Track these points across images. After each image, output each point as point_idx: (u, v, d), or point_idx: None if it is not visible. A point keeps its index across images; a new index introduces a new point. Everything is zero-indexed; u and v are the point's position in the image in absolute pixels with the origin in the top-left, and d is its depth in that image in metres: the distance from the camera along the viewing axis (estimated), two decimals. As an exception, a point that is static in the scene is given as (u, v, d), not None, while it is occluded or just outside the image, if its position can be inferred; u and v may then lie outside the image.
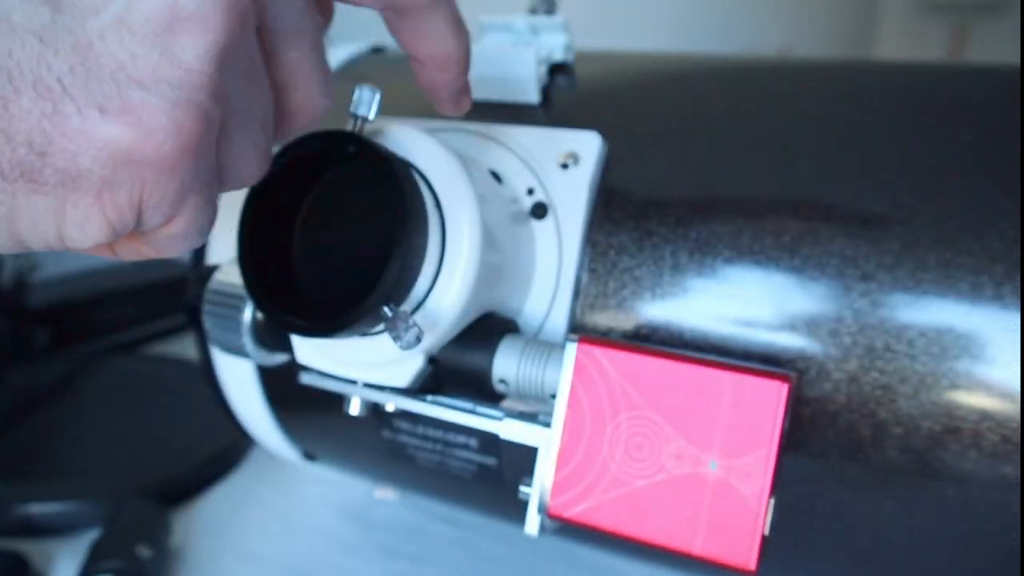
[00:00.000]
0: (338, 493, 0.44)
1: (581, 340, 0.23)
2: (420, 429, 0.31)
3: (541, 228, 0.27)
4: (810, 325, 0.24)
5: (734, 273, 0.25)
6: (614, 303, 0.26)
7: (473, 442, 0.30)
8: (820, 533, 0.25)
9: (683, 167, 0.27)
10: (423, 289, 0.23)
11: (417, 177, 0.23)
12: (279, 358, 0.29)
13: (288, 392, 0.34)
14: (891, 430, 0.23)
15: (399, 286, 0.21)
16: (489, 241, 0.23)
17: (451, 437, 0.30)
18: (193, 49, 0.15)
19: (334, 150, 0.22)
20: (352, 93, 0.22)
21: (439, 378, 0.25)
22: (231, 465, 0.46)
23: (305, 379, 0.27)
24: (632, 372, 0.22)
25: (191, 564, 0.38)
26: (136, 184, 0.16)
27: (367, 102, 0.22)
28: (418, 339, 0.21)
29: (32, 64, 0.14)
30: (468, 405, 0.25)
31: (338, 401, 0.27)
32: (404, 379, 0.25)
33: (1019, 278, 0.22)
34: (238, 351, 0.28)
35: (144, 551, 0.34)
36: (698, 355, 0.22)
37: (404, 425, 0.31)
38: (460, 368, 0.25)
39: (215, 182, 0.18)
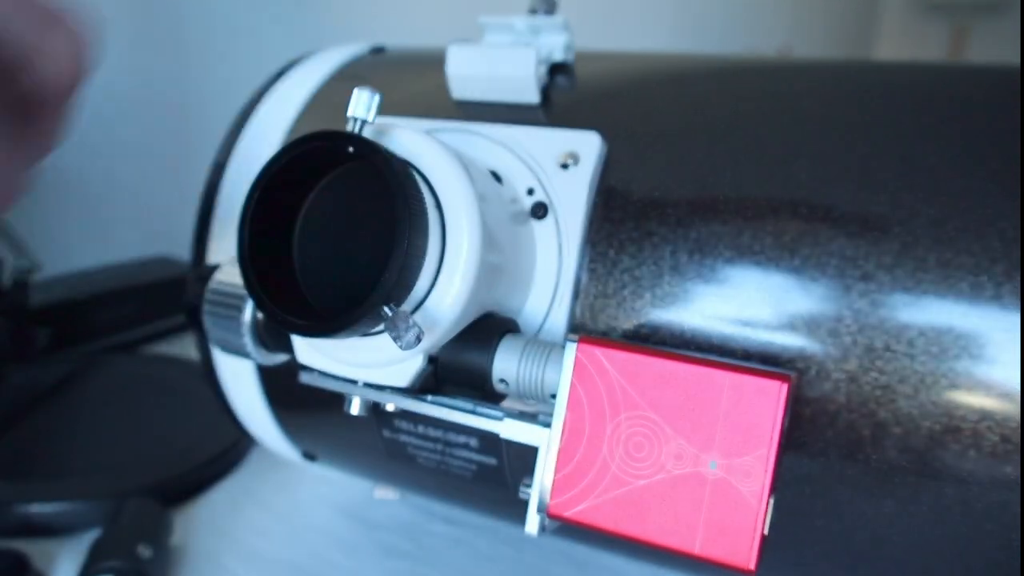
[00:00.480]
0: (338, 493, 0.44)
1: (581, 340, 0.23)
2: (420, 429, 0.31)
3: (541, 228, 0.27)
4: (810, 325, 0.24)
5: (734, 273, 0.25)
6: (614, 303, 0.26)
7: (473, 442, 0.30)
8: (820, 533, 0.25)
9: (683, 167, 0.27)
10: (423, 289, 0.23)
11: (417, 177, 0.23)
12: (279, 358, 0.29)
13: (288, 392, 0.34)
14: (891, 430, 0.23)
15: (399, 286, 0.21)
16: (489, 241, 0.23)
17: (451, 437, 0.30)
18: None
19: (334, 150, 0.22)
20: (351, 94, 0.22)
21: (439, 378, 0.25)
22: (231, 465, 0.46)
23: (305, 379, 0.27)
24: (632, 372, 0.22)
25: (191, 564, 0.38)
26: None
27: (366, 103, 0.22)
28: (418, 339, 0.21)
29: None
30: (468, 405, 0.25)
31: (338, 401, 0.27)
32: (404, 379, 0.25)
33: (1019, 278, 0.22)
34: (238, 351, 0.28)
35: (144, 551, 0.34)
36: (698, 355, 0.22)
37: (404, 425, 0.31)
38: (460, 368, 0.25)
39: None
